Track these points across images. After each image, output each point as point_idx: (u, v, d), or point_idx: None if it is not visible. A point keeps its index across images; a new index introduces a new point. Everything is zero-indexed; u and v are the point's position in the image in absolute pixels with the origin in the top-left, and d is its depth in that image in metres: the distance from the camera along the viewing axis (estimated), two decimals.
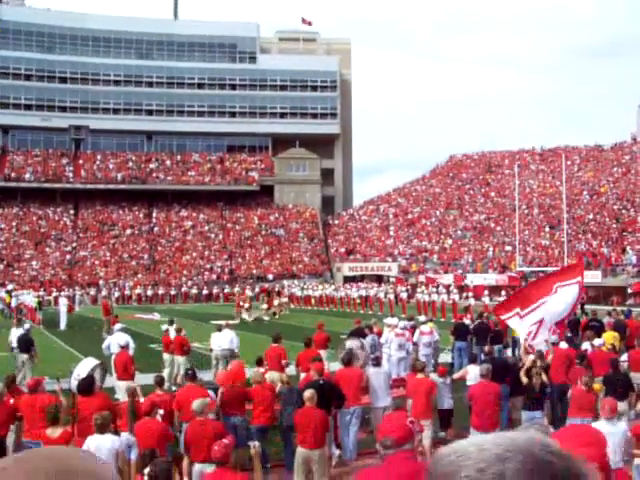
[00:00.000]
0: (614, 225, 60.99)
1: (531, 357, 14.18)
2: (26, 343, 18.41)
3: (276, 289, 50.88)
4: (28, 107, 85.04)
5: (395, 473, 4.23)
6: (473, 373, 12.80)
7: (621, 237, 57.82)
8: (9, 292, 46.30)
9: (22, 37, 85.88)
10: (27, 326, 20.46)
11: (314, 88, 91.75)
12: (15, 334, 19.03)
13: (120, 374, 14.64)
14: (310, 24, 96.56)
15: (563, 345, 15.27)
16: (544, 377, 12.08)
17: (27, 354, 18.21)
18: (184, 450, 9.06)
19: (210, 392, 11.10)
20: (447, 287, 53.57)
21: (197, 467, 8.62)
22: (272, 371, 14.10)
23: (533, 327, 15.04)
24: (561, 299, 15.41)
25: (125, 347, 15.43)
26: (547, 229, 65.98)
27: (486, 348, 15.64)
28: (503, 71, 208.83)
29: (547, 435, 3.54)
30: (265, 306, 41.84)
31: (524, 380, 11.94)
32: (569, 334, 19.53)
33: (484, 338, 19.77)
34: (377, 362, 12.86)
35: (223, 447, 7.08)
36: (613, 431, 7.70)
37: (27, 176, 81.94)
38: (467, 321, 21.94)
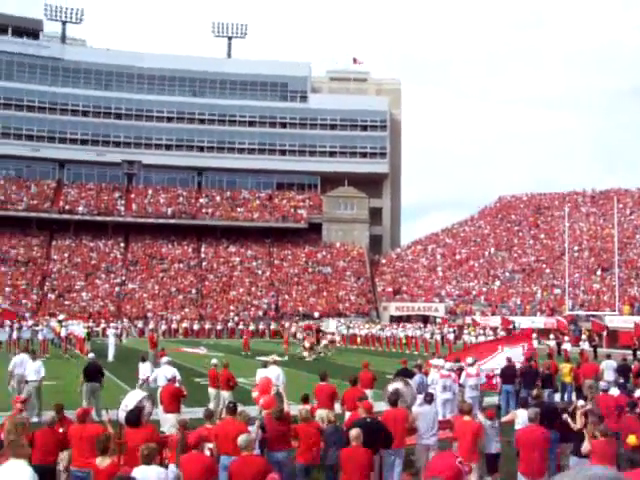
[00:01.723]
0: None
1: (581, 402, 13.94)
2: (96, 372, 18.64)
3: (321, 328, 50.79)
4: (84, 142, 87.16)
5: None
6: (521, 417, 12.58)
7: None
8: (60, 322, 47.01)
9: (82, 75, 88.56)
10: (92, 355, 20.80)
11: (364, 127, 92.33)
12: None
13: (167, 407, 14.72)
14: (361, 63, 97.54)
15: (614, 391, 14.98)
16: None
17: (97, 383, 18.43)
18: None
19: (250, 427, 11.09)
20: (494, 329, 53.00)
21: None
22: (321, 409, 14.04)
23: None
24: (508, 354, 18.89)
25: (172, 380, 15.54)
26: (598, 272, 64.92)
27: (535, 392, 15.40)
28: (553, 112, 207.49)
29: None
30: (307, 344, 41.67)
31: (578, 425, 11.67)
32: (621, 380, 19.17)
33: (532, 381, 19.46)
34: (428, 400, 12.72)
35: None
36: None
37: (80, 209, 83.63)
38: (517, 363, 21.64)
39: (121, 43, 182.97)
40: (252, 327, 64.45)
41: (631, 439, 11.23)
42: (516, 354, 19.62)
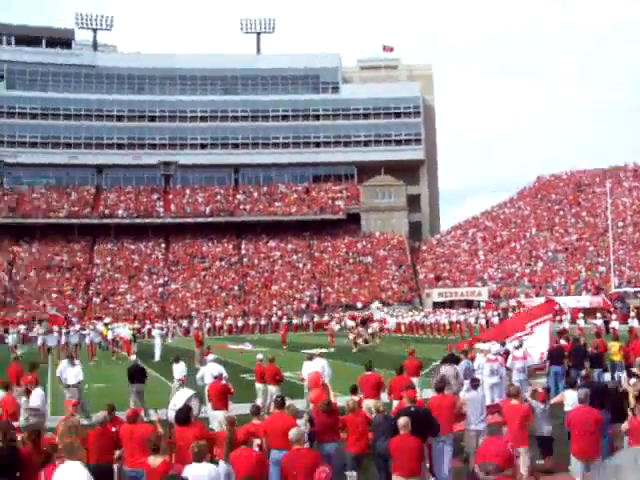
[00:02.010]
0: None
1: (633, 381, 13.72)
2: (139, 373, 18.90)
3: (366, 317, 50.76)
4: (120, 146, 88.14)
5: None
6: (570, 398, 12.44)
7: None
8: (106, 325, 47.66)
9: (115, 81, 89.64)
10: (134, 357, 21.19)
11: (397, 115, 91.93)
12: (71, 372, 19.17)
13: (215, 404, 14.82)
14: (391, 50, 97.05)
15: None
16: None
17: (142, 384, 18.68)
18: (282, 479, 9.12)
19: (299, 421, 11.12)
20: None
21: None
22: (368, 399, 14.02)
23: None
24: (536, 339, 17.33)
25: (218, 377, 15.65)
26: None
27: (584, 372, 15.22)
28: (587, 87, 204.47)
29: None
30: (351, 336, 41.58)
31: (631, 405, 11.46)
32: None
33: (580, 362, 19.23)
34: (475, 385, 12.63)
35: (326, 475, 7.10)
36: None
37: (120, 212, 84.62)
38: (562, 342, 21.39)
39: (151, 46, 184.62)
40: (296, 320, 64.82)
41: None
42: (542, 331, 19.13)
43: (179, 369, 18.89)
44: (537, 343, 18.63)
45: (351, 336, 41.44)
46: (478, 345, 19.29)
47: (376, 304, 59.35)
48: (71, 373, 19.01)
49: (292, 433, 9.00)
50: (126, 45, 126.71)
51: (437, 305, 66.66)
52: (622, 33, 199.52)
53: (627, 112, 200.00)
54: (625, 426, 10.51)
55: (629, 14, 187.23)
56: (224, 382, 15.86)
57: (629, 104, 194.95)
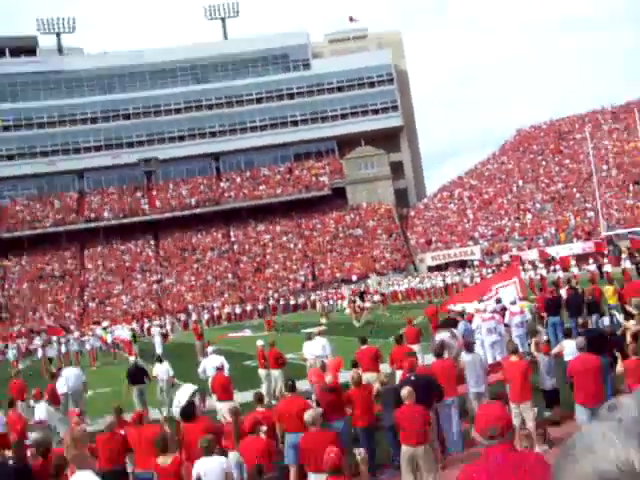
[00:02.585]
0: None
1: (632, 322, 13.85)
2: (140, 374, 18.79)
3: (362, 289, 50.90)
4: (98, 148, 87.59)
5: (499, 465, 4.18)
6: (569, 348, 12.53)
7: None
8: (105, 329, 47.63)
9: (84, 83, 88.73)
10: (133, 358, 21.18)
11: (371, 84, 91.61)
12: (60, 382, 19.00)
13: (219, 396, 14.86)
14: (357, 21, 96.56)
15: None
16: None
17: (143, 384, 18.56)
18: (301, 461, 9.17)
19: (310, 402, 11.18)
20: (532, 263, 52.71)
21: (313, 477, 8.71)
22: (367, 372, 14.07)
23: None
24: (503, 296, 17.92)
25: (220, 368, 15.67)
26: (630, 188, 64.00)
27: (580, 320, 15.33)
28: (558, 34, 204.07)
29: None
30: (348, 311, 41.63)
31: (630, 346, 11.55)
32: None
33: (578, 310, 19.36)
34: (469, 348, 12.71)
35: (336, 455, 7.14)
36: None
37: (106, 214, 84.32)
38: (563, 292, 21.53)
39: (117, 44, 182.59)
40: (293, 301, 65.04)
41: None
42: (509, 293, 19.47)
43: (163, 369, 18.70)
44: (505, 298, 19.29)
45: (348, 310, 41.57)
46: (454, 307, 19.55)
47: (375, 278, 59.39)
48: (59, 383, 18.71)
49: (307, 415, 9.04)
50: (91, 46, 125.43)
51: (431, 269, 66.85)
52: None
53: (601, 56, 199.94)
54: (620, 368, 10.61)
55: None
56: (226, 373, 15.90)
57: (602, 48, 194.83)
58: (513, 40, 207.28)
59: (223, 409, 13.87)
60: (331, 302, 58.18)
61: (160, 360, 19.44)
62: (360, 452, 7.67)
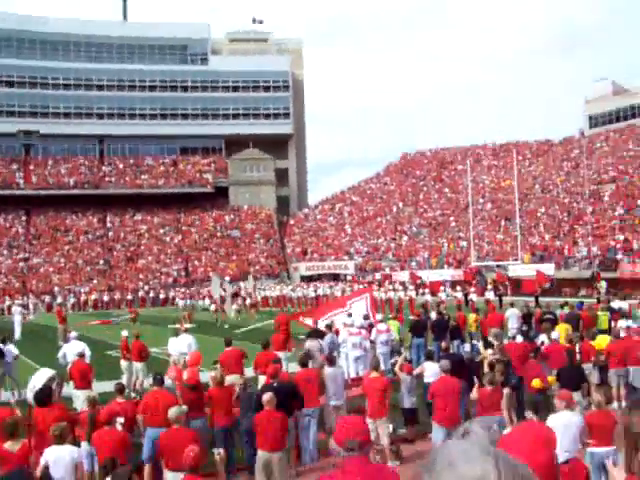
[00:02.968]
0: (565, 218, 61.93)
1: (489, 351, 14.42)
2: None
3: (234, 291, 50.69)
4: None
5: (355, 476, 4.28)
6: (430, 369, 12.94)
7: (572, 230, 58.73)
8: None
9: None
10: None
11: (266, 88, 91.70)
12: None
13: (77, 383, 14.49)
14: (261, 22, 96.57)
15: (519, 339, 15.56)
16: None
17: None
18: (159, 458, 9.05)
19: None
20: (403, 284, 54.02)
21: (170, 475, 8.62)
22: (230, 374, 14.03)
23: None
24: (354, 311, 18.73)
25: (82, 355, 15.28)
26: (502, 223, 66.67)
27: (443, 344, 15.85)
28: (454, 67, 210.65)
29: (495, 433, 3.66)
30: (213, 307, 41.59)
31: (487, 376, 12.03)
32: (524, 327, 19.90)
33: (442, 334, 20.01)
34: (331, 362, 12.90)
35: (195, 454, 7.12)
36: (568, 422, 7.90)
37: None
38: (433, 315, 22.18)
39: (7, 5, 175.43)
40: (162, 295, 64.10)
41: (535, 382, 11.74)
42: (359, 307, 20.27)
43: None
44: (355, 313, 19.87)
45: (212, 307, 41.54)
46: (304, 319, 20.09)
47: (251, 281, 59.10)
48: None
49: (172, 412, 8.94)
50: None
51: (304, 279, 67.36)
52: (487, 16, 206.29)
53: (490, 94, 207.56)
54: (474, 394, 11.07)
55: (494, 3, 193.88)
56: (87, 360, 15.53)
57: (493, 86, 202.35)
58: (411, 67, 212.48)
59: (80, 397, 13.54)
60: (193, 301, 56.77)
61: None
62: (219, 452, 7.68)
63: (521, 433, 4.66)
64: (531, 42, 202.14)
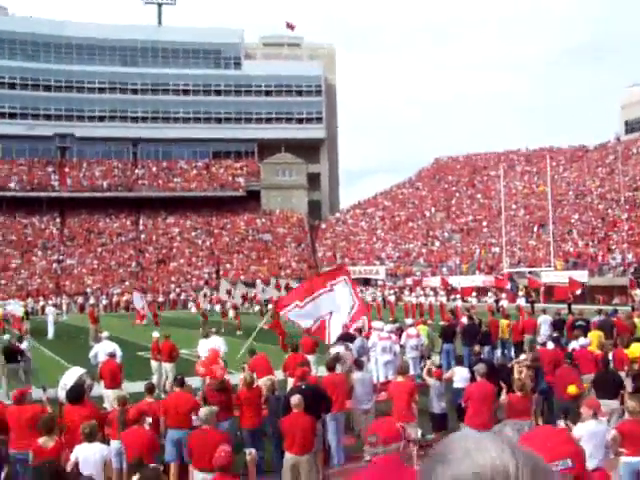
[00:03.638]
0: (599, 225, 61.30)
1: (522, 357, 14.29)
2: (13, 353, 18.22)
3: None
4: (12, 116, 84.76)
5: (382, 476, 4.24)
6: (460, 374, 12.84)
7: (607, 237, 58.10)
8: None
9: (5, 45, 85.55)
10: (7, 337, 20.43)
11: (299, 93, 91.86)
12: None
13: (108, 383, 14.60)
14: (293, 28, 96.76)
15: (550, 345, 15.39)
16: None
17: (16, 364, 18.01)
18: (188, 458, 9.07)
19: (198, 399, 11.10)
20: (434, 289, 53.77)
21: (199, 476, 8.64)
22: (261, 378, 14.03)
23: (318, 321, 16.99)
24: (339, 296, 17.50)
25: (112, 355, 15.40)
26: (534, 229, 66.14)
27: (476, 348, 15.71)
28: (487, 74, 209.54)
29: (516, 435, 3.62)
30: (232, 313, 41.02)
31: (516, 377, 11.90)
32: (555, 334, 19.67)
33: (472, 339, 19.85)
34: (359, 366, 12.86)
35: (226, 454, 7.13)
36: (594, 431, 7.79)
37: (12, 185, 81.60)
38: (465, 320, 22.01)
39: (46, 11, 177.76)
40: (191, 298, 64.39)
41: (571, 389, 11.55)
42: (343, 293, 18.86)
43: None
44: (342, 304, 18.58)
45: (232, 313, 41.20)
46: (372, 323, 19.70)
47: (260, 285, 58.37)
48: None
49: (202, 413, 8.97)
50: (18, 8, 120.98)
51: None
52: (521, 20, 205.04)
53: (523, 99, 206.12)
54: (503, 400, 10.95)
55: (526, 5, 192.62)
56: (118, 360, 15.65)
57: (526, 92, 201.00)
58: (444, 72, 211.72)
59: (110, 397, 13.64)
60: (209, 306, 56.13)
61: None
62: (250, 452, 7.68)
63: (537, 434, 4.59)
64: (564, 46, 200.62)
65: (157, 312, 35.83)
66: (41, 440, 8.43)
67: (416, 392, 11.55)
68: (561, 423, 7.98)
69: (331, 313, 17.36)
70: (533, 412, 10.97)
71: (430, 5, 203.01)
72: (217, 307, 49.58)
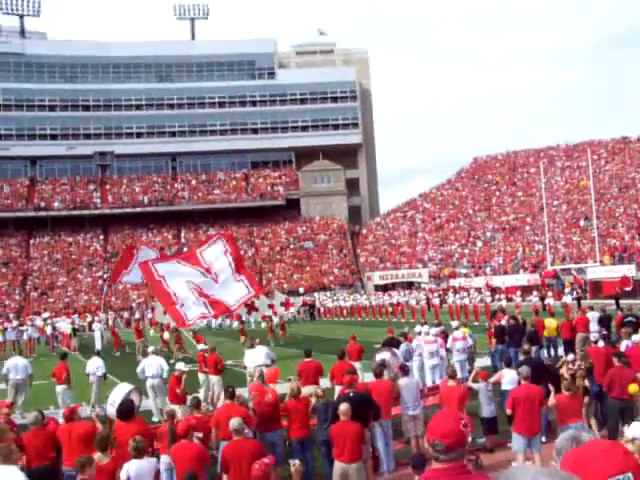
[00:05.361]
0: None
1: (571, 356, 14.03)
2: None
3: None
4: (53, 137, 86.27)
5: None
6: (508, 376, 12.65)
7: None
8: (45, 320, 46.81)
9: (45, 69, 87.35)
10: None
11: (334, 99, 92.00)
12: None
13: (171, 398, 14.60)
14: (326, 35, 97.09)
15: (600, 344, 15.00)
16: (586, 381, 11.93)
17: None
18: (221, 470, 9.04)
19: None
20: (479, 290, 53.29)
21: None
22: (307, 386, 13.99)
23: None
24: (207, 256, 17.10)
25: (179, 372, 15.22)
26: (580, 223, 65.15)
27: (525, 347, 15.42)
28: (522, 70, 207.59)
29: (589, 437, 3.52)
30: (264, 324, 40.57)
31: (566, 376, 11.68)
32: (604, 331, 19.27)
33: (518, 339, 19.55)
34: (405, 371, 12.74)
35: (264, 466, 7.08)
36: None
37: (56, 205, 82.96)
38: (504, 322, 21.67)
39: (82, 33, 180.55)
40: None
41: (632, 388, 11.24)
42: (214, 252, 18.37)
43: (93, 365, 18.46)
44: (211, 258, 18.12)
45: (264, 324, 40.61)
46: (416, 327, 19.54)
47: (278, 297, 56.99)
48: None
49: (233, 423, 8.94)
50: (56, 32, 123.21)
51: (378, 288, 67.10)
52: (556, 12, 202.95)
53: (558, 94, 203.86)
54: (552, 401, 10.73)
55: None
56: (165, 375, 15.70)
57: (559, 87, 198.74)
58: (477, 70, 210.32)
59: (179, 412, 13.66)
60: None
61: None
62: (295, 463, 7.64)
63: (594, 447, 4.40)
64: (602, 34, 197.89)
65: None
66: (96, 456, 8.48)
67: (467, 397, 11.42)
68: (614, 424, 7.76)
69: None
70: (585, 414, 10.74)
71: (463, 3, 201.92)
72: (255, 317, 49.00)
